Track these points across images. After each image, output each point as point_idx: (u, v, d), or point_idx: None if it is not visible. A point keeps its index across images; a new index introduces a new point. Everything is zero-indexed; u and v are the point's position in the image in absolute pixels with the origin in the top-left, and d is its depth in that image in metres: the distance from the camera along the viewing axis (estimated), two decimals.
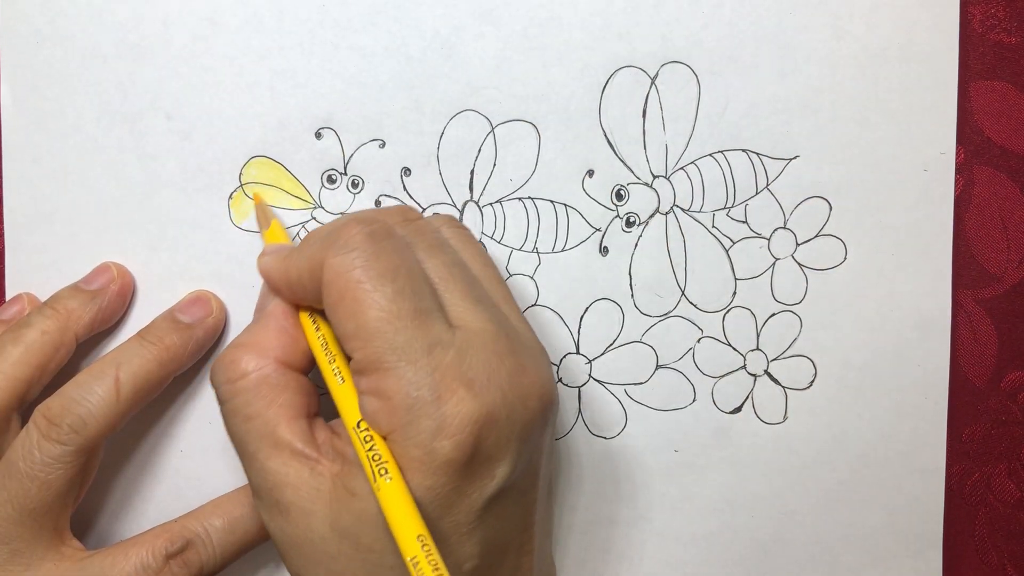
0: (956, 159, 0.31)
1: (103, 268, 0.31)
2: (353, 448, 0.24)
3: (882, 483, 0.32)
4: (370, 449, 0.23)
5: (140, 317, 0.31)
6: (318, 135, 0.31)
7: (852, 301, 0.31)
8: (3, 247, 0.32)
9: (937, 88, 0.31)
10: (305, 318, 0.27)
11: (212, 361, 0.28)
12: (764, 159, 0.31)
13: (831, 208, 0.31)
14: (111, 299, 0.31)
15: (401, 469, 0.23)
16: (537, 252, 0.31)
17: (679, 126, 0.31)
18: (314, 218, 0.31)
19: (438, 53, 0.31)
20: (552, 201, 0.31)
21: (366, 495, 0.23)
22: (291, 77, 0.31)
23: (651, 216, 0.32)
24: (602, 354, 0.32)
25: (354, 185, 0.31)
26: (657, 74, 0.31)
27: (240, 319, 0.31)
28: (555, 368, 0.32)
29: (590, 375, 0.32)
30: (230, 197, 0.31)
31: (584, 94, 0.31)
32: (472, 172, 0.31)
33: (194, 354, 0.31)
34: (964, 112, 0.31)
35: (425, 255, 0.26)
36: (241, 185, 0.31)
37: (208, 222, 0.31)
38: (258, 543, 0.30)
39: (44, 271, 0.31)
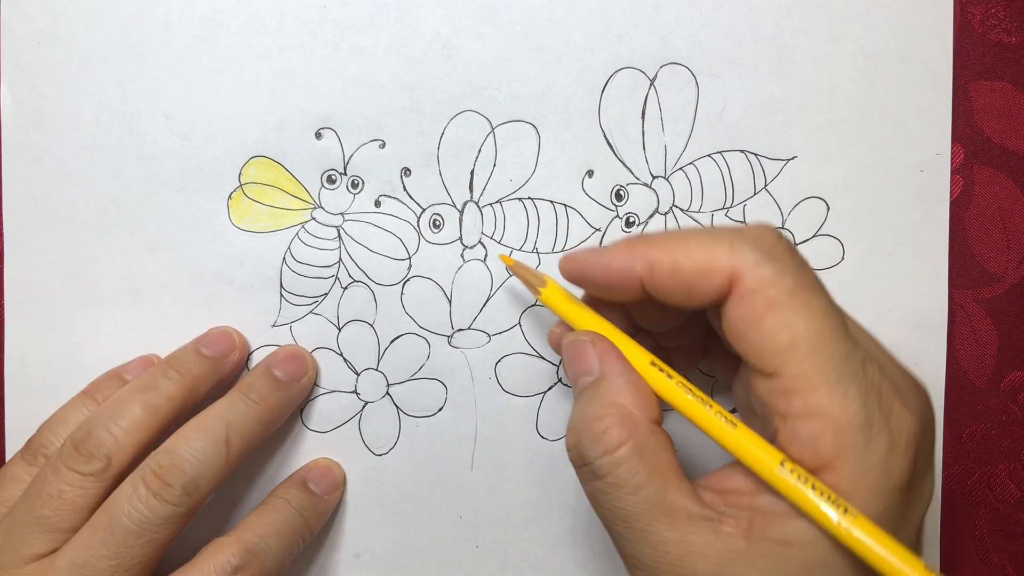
0: (956, 159, 0.32)
1: (226, 335, 0.31)
2: (769, 495, 0.22)
3: None
4: (812, 487, 0.21)
5: (140, 317, 0.32)
6: (318, 135, 0.32)
7: (849, 300, 0.32)
8: (3, 247, 0.32)
9: (933, 89, 0.32)
10: (652, 369, 0.25)
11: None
12: (762, 160, 0.32)
13: (829, 208, 0.32)
14: (230, 369, 0.31)
15: (845, 498, 0.21)
16: (537, 252, 0.32)
17: (678, 127, 0.32)
18: (314, 218, 0.32)
19: (438, 54, 0.31)
20: (552, 201, 0.32)
21: (809, 542, 0.21)
22: (291, 77, 0.31)
23: (650, 216, 0.32)
24: None
25: (354, 185, 0.32)
26: (656, 75, 0.32)
27: (241, 319, 0.32)
28: (555, 368, 0.33)
29: None
30: (229, 197, 0.32)
31: (584, 95, 0.32)
32: (472, 172, 0.32)
33: (289, 412, 0.31)
34: (964, 112, 0.32)
35: None
36: (240, 185, 0.32)
37: (207, 222, 0.32)
38: (306, 544, 0.30)
39: (44, 271, 0.32)
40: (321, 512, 0.32)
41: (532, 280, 0.28)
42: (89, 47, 0.32)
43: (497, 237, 0.32)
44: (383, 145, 0.32)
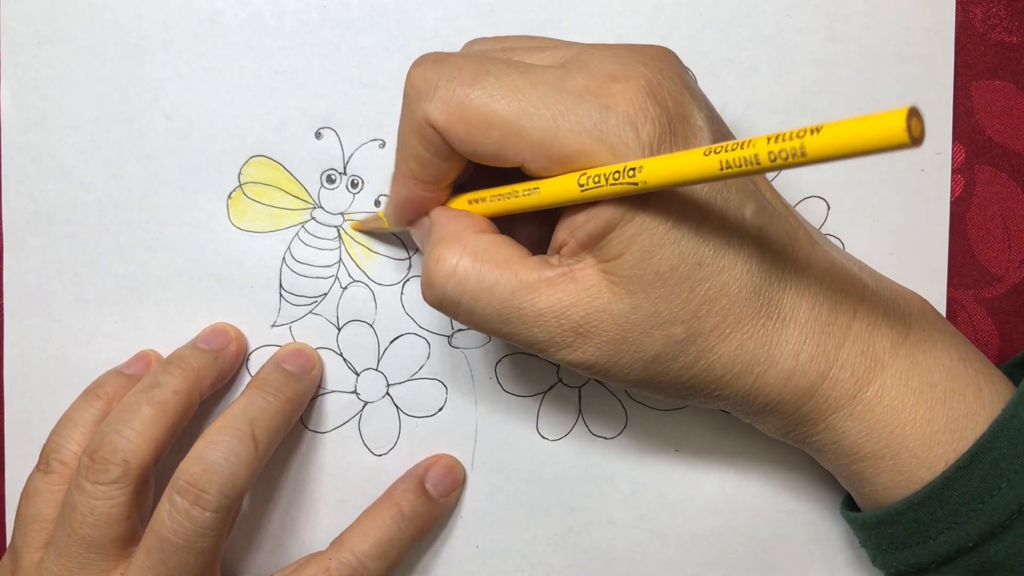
0: (957, 159, 0.32)
1: (220, 330, 0.32)
2: (588, 224, 0.24)
3: None
4: (614, 174, 0.22)
5: (140, 317, 0.33)
6: (318, 135, 0.32)
7: None
8: (3, 247, 0.33)
9: (933, 89, 0.32)
10: (470, 205, 0.27)
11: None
12: None
13: (829, 208, 0.32)
14: (230, 360, 0.32)
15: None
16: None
17: None
18: (313, 218, 0.32)
19: None
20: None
21: (638, 228, 0.23)
22: (291, 77, 0.32)
23: None
24: None
25: (353, 185, 0.32)
26: None
27: (240, 319, 0.33)
28: (555, 368, 0.33)
29: None
30: (229, 197, 0.32)
31: None
32: None
33: (305, 404, 0.32)
34: (965, 112, 0.32)
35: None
36: (240, 185, 0.32)
37: (207, 222, 0.32)
38: (402, 558, 0.31)
39: (44, 271, 0.33)
40: (437, 517, 0.32)
41: (376, 221, 0.30)
42: (89, 47, 0.32)
43: None
44: (383, 145, 0.32)
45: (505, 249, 0.25)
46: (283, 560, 0.33)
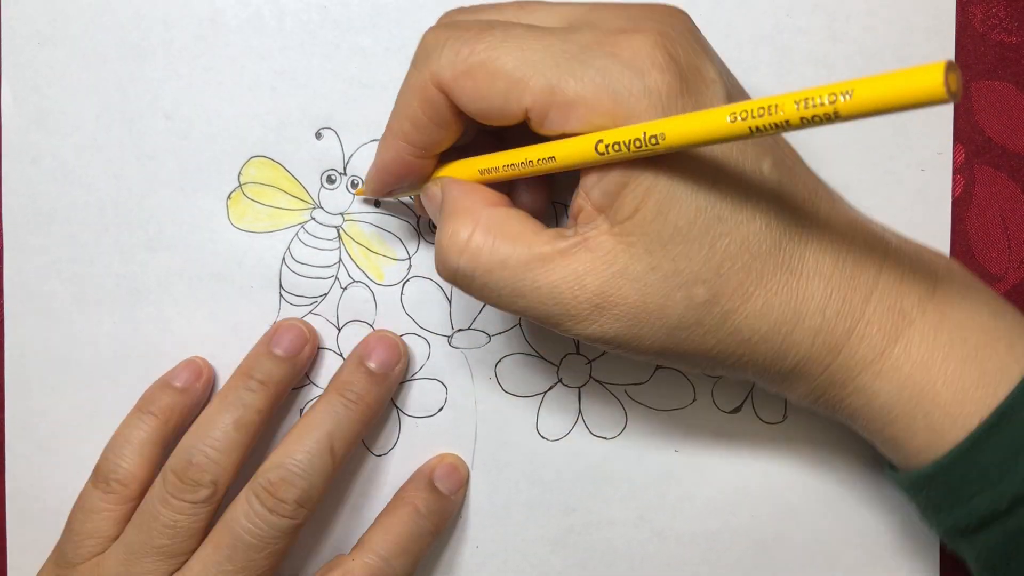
0: (957, 159, 0.33)
1: (295, 329, 0.31)
2: (599, 186, 0.24)
3: (881, 482, 0.33)
4: (635, 140, 0.22)
5: (140, 317, 0.33)
6: (318, 135, 0.32)
7: None
8: (3, 247, 0.33)
9: None
10: (481, 175, 0.27)
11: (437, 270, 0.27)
12: None
13: None
14: (305, 364, 0.32)
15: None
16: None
17: None
18: (313, 218, 0.32)
19: None
20: (552, 202, 0.32)
21: (652, 191, 0.23)
22: (292, 77, 0.32)
23: None
24: (602, 354, 0.33)
25: (353, 185, 0.32)
26: None
27: (240, 319, 0.33)
28: (555, 368, 0.33)
29: (590, 375, 0.33)
30: (229, 197, 0.32)
31: None
32: None
33: (385, 404, 0.32)
34: (965, 112, 0.33)
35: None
36: (240, 185, 0.32)
37: (207, 222, 0.32)
38: (424, 555, 0.31)
39: (44, 271, 0.33)
40: (450, 513, 0.32)
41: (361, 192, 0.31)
42: (89, 47, 0.32)
43: None
44: None
45: (518, 223, 0.25)
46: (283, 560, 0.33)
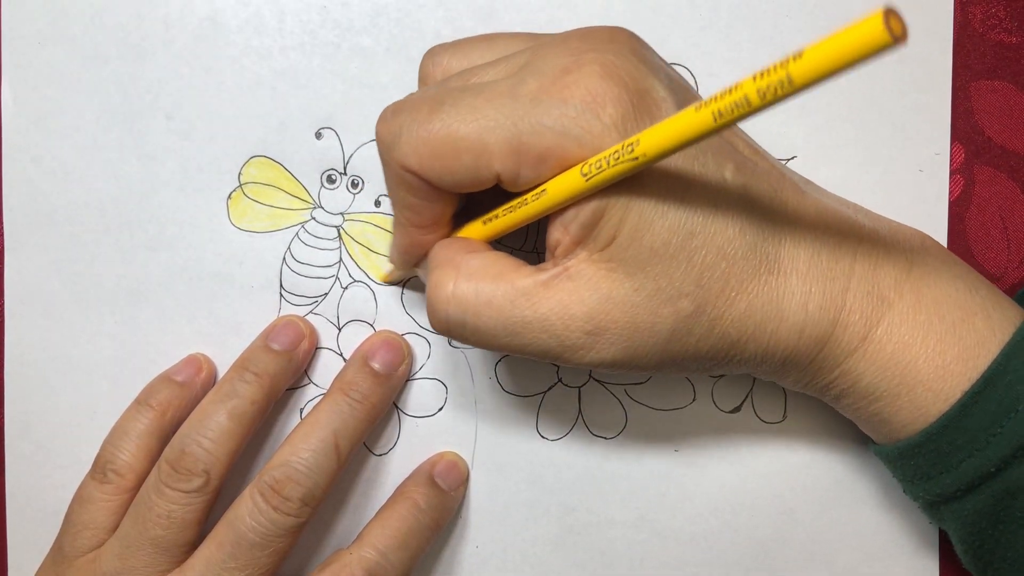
0: (956, 159, 0.33)
1: (292, 325, 0.32)
2: (578, 220, 0.24)
3: (880, 482, 0.33)
4: (616, 153, 0.22)
5: (140, 317, 0.33)
6: (318, 135, 0.32)
7: None
8: (3, 247, 0.33)
9: (932, 89, 0.32)
10: (485, 226, 0.27)
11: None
12: None
13: None
14: (302, 359, 0.32)
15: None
16: (537, 252, 0.33)
17: None
18: (314, 218, 0.33)
19: None
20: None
21: (624, 213, 0.24)
22: (292, 77, 0.32)
23: None
24: None
25: (354, 185, 0.33)
26: None
27: (241, 319, 0.33)
28: (555, 368, 0.33)
29: (590, 375, 0.33)
30: (229, 197, 0.33)
31: None
32: None
33: (389, 403, 0.32)
34: (965, 112, 0.33)
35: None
36: (240, 185, 0.33)
37: (207, 222, 0.33)
38: (425, 550, 0.31)
39: (44, 271, 0.33)
40: (450, 509, 0.32)
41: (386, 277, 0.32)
42: (89, 47, 0.32)
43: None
44: None
45: (499, 263, 0.26)
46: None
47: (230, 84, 0.32)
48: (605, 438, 0.33)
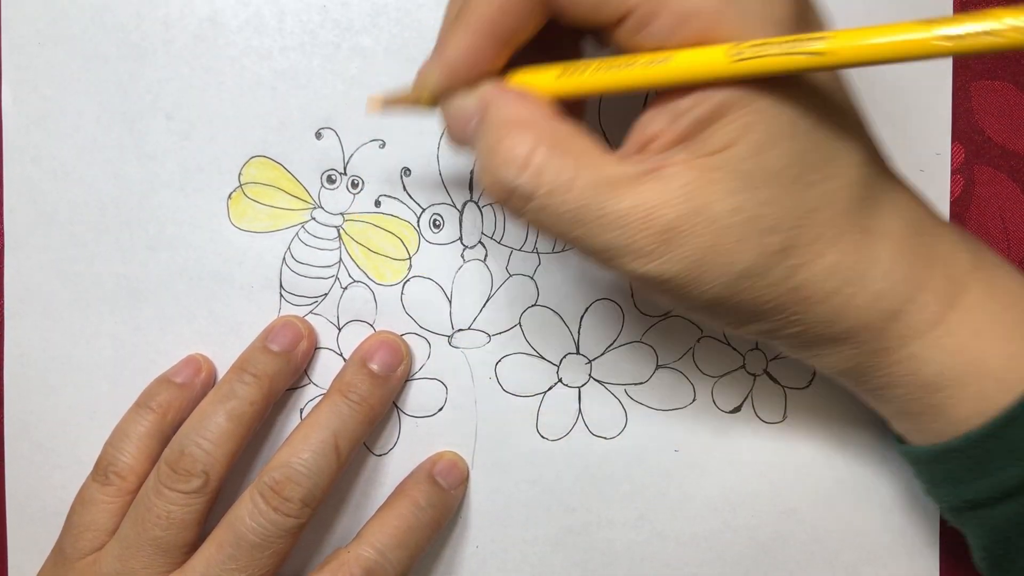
0: (957, 159, 0.33)
1: (290, 326, 0.32)
2: (686, 117, 0.21)
3: (880, 481, 0.33)
4: (791, 44, 0.19)
5: (140, 317, 0.33)
6: (318, 135, 0.33)
7: None
8: (3, 247, 0.33)
9: (933, 89, 0.33)
10: (549, 74, 0.23)
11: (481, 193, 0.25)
12: None
13: None
14: (301, 359, 0.32)
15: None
16: (537, 252, 0.33)
17: None
18: (314, 218, 0.33)
19: None
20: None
21: (743, 119, 0.21)
22: (292, 77, 0.32)
23: None
24: (602, 354, 0.33)
25: (354, 185, 0.33)
26: None
27: (241, 319, 0.33)
28: (555, 368, 0.34)
29: (590, 375, 0.33)
30: (229, 197, 0.33)
31: None
32: (472, 172, 0.33)
33: (389, 404, 0.32)
34: (965, 112, 0.33)
35: None
36: (240, 185, 0.33)
37: (207, 222, 0.33)
38: (424, 548, 0.31)
39: (44, 271, 0.33)
40: (450, 507, 0.32)
41: (406, 95, 0.26)
42: (89, 47, 0.32)
43: (497, 237, 0.33)
44: (383, 145, 0.33)
45: (584, 139, 0.23)
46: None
47: (230, 84, 0.32)
48: (605, 438, 0.34)
